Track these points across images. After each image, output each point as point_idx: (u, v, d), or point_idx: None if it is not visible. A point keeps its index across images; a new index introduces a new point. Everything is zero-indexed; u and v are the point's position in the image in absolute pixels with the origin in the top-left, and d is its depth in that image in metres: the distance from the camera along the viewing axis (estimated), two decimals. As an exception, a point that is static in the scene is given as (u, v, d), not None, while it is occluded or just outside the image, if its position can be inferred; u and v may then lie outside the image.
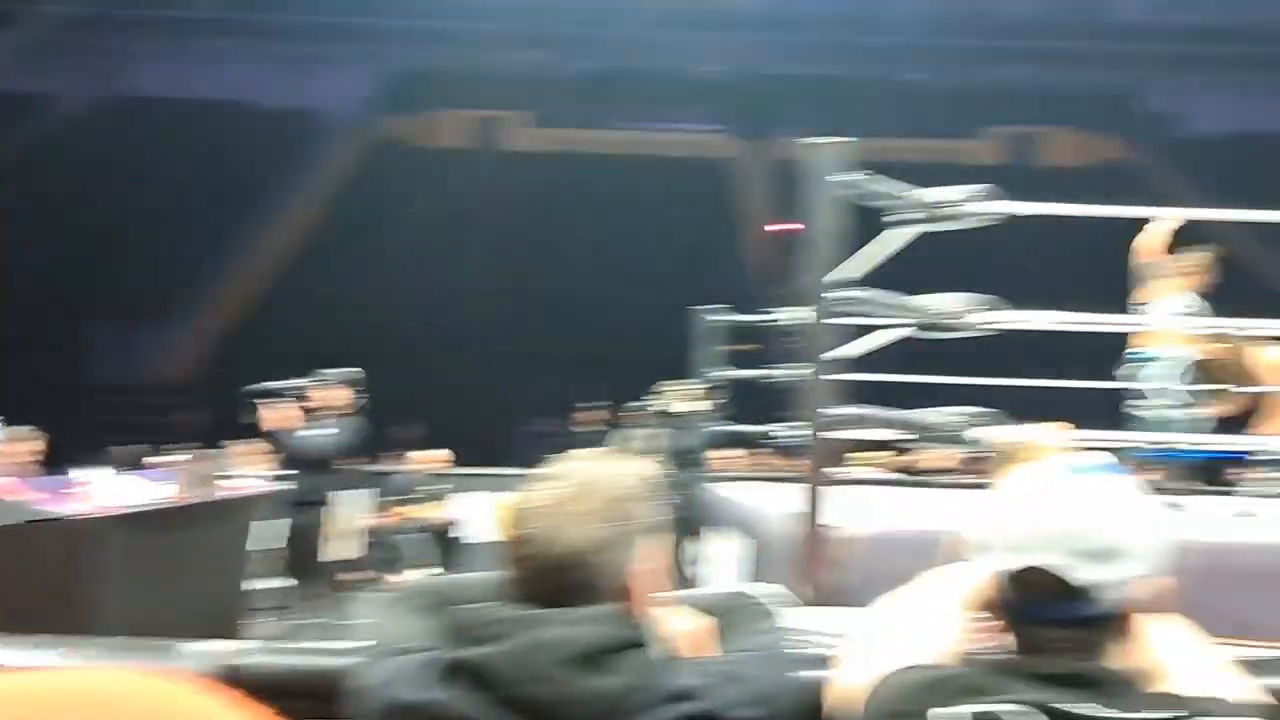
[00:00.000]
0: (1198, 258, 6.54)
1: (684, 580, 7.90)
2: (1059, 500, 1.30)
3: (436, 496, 11.19)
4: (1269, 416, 6.52)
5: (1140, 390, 6.35)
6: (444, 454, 11.71)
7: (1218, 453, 12.97)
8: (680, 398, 7.87)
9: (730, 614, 1.70)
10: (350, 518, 8.51)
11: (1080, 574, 1.24)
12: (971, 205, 4.44)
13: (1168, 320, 6.36)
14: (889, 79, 30.70)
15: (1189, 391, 6.31)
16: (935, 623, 1.41)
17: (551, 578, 1.50)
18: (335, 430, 7.68)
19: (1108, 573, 1.24)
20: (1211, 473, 12.70)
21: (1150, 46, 31.30)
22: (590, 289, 19.58)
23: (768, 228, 20.92)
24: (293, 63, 28.87)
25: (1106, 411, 6.72)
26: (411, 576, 10.27)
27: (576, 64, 30.42)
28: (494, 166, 26.34)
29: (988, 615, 1.32)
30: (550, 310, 18.89)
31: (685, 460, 7.77)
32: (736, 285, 19.16)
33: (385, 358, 16.75)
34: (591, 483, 1.55)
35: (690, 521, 7.73)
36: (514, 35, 29.48)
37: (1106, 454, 4.05)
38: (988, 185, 4.39)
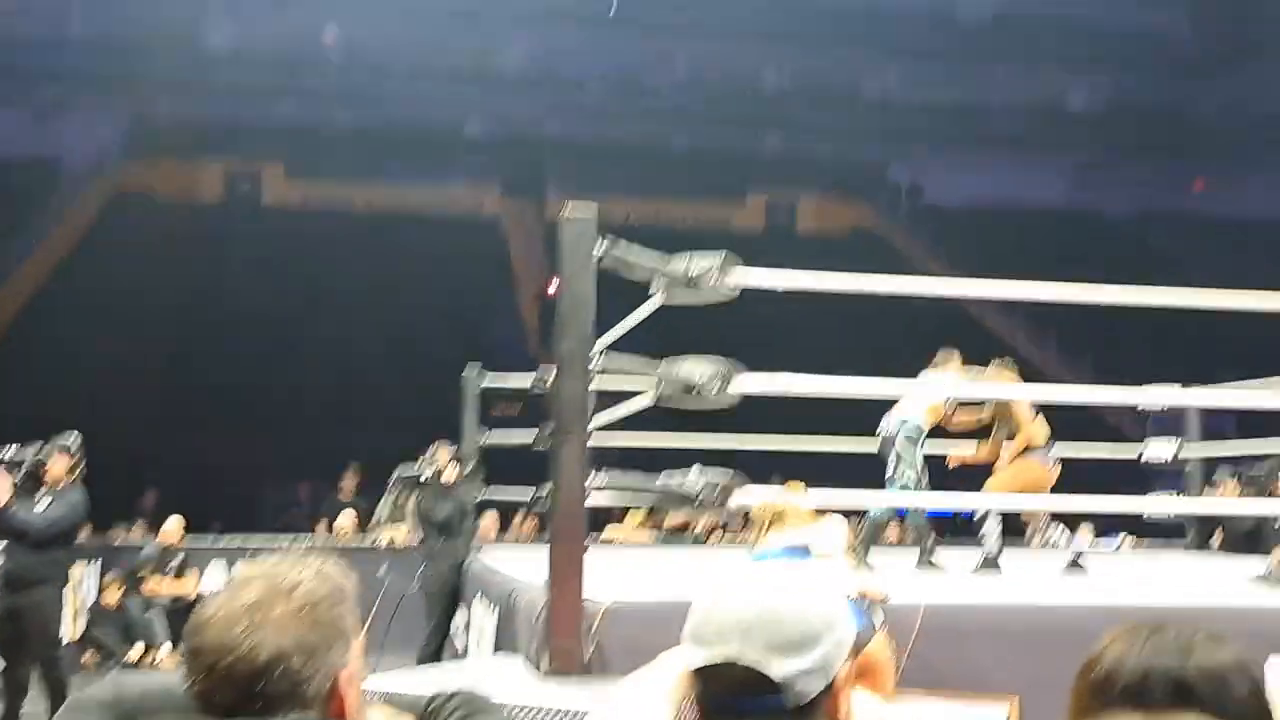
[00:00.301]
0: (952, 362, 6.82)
1: (451, 651, 7.76)
2: (746, 592, 1.29)
3: (177, 569, 10.38)
4: (1012, 476, 6.84)
5: (895, 452, 6.59)
6: (177, 523, 10.69)
7: (952, 511, 13.61)
8: (447, 462, 7.70)
9: (438, 714, 1.64)
10: (73, 596, 7.89)
11: (773, 667, 1.23)
12: (725, 273, 4.53)
13: (919, 388, 6.64)
14: (656, 143, 31.38)
15: (924, 456, 6.60)
16: (644, 712, 1.39)
17: (243, 687, 1.37)
18: (53, 502, 6.88)
19: (801, 662, 1.23)
20: (953, 530, 13.31)
21: (899, 121, 33.01)
22: (353, 349, 19.13)
23: (549, 290, 20.99)
24: (36, 110, 27.54)
25: (872, 472, 6.93)
26: (151, 655, 9.72)
27: (339, 116, 30.00)
28: (250, 219, 25.61)
29: (692, 706, 1.30)
30: (310, 370, 18.31)
31: (450, 526, 7.63)
32: (509, 346, 19.12)
33: (123, 420, 15.97)
34: (286, 585, 1.45)
35: (454, 591, 7.60)
36: (273, 86, 28.92)
37: (814, 533, 4.19)
38: (729, 253, 4.48)
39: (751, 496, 4.51)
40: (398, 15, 29.37)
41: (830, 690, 1.26)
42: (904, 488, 6.54)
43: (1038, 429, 6.78)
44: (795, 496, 4.41)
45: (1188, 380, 7.76)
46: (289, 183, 28.02)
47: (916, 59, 32.98)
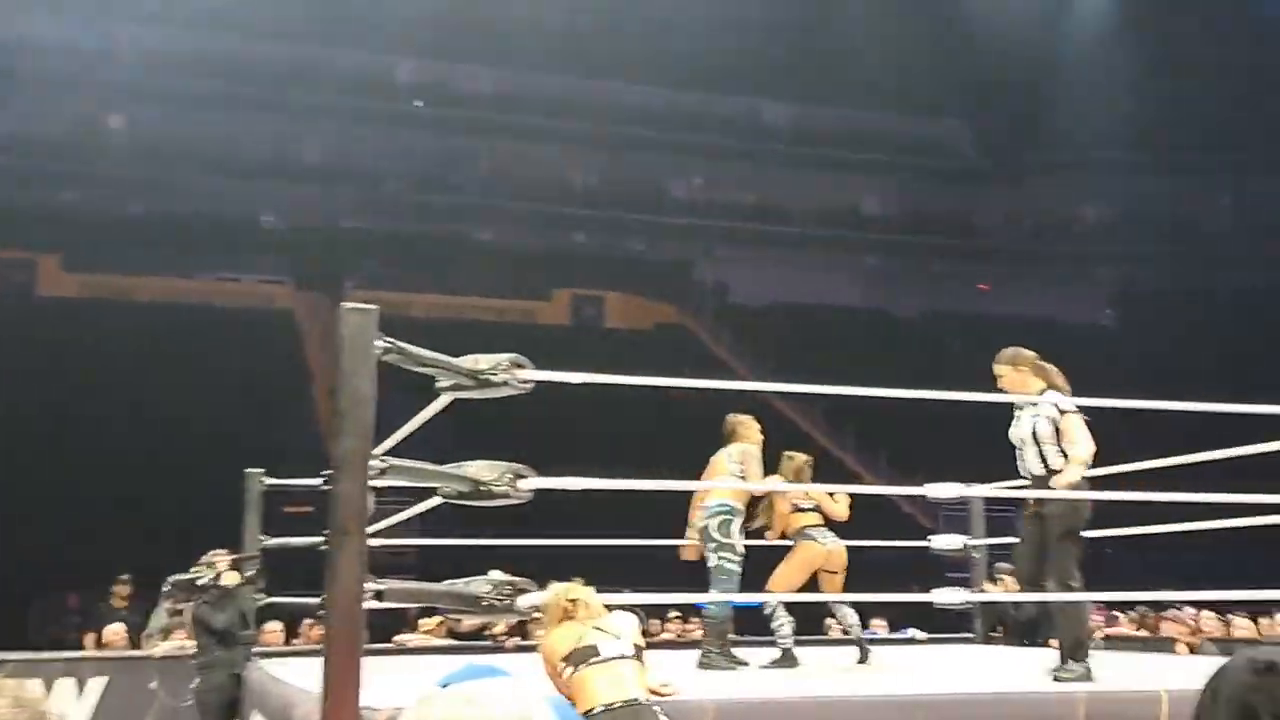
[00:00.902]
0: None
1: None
2: (439, 707, 1.28)
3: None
4: (786, 563, 6.90)
5: (711, 540, 6.56)
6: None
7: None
8: (229, 567, 7.34)
9: None
10: None
11: None
12: (514, 372, 4.46)
13: (724, 480, 6.63)
14: (459, 239, 31.33)
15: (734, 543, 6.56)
16: None
17: None
18: None
19: None
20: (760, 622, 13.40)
21: (703, 221, 33.83)
22: (131, 449, 18.24)
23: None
24: None
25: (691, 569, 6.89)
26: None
27: (125, 206, 29.04)
28: (21, 311, 24.35)
29: None
30: (87, 470, 17.33)
31: (228, 635, 7.26)
32: (303, 444, 18.52)
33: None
34: None
35: (231, 703, 7.23)
36: (54, 173, 27.87)
37: (608, 625, 4.11)
38: (516, 355, 4.42)
39: (540, 597, 4.41)
40: (191, 104, 28.74)
41: None
42: (725, 572, 6.49)
43: (798, 514, 6.93)
44: (585, 591, 4.35)
45: (977, 473, 7.98)
46: (66, 274, 26.77)
47: (720, 161, 33.95)
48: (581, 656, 4.13)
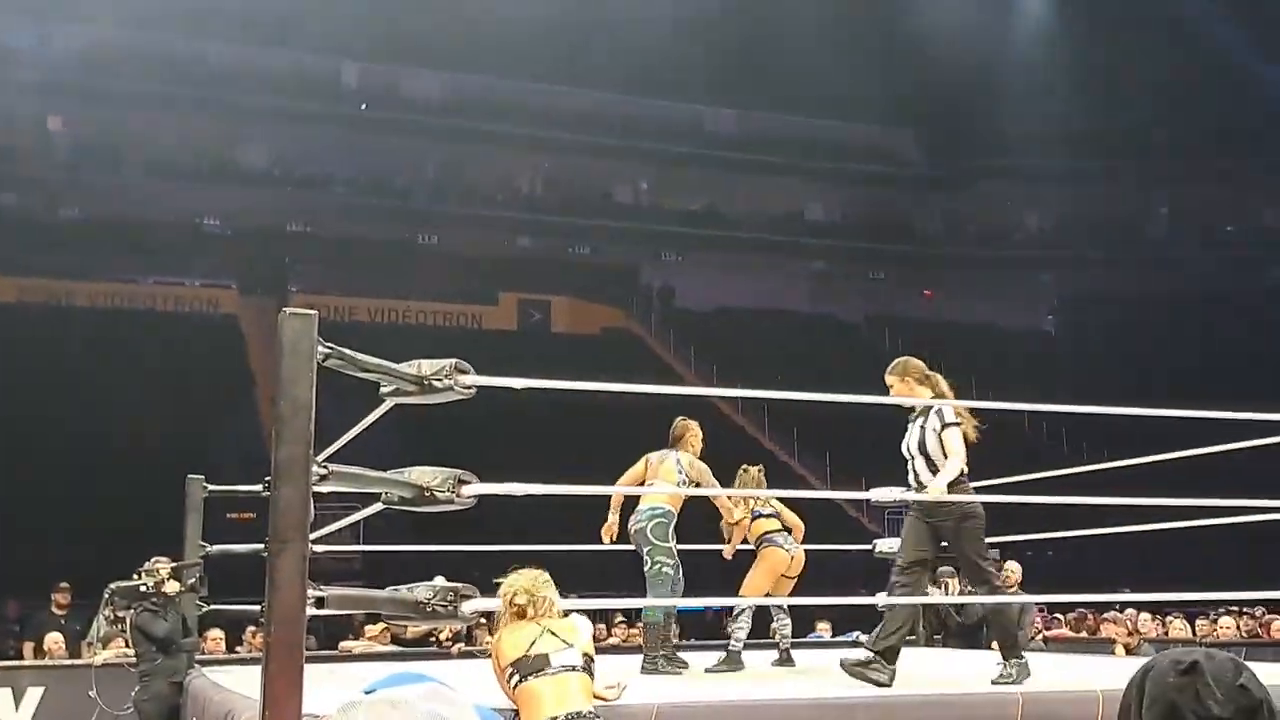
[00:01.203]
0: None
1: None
2: (366, 714, 1.30)
3: None
4: (755, 570, 6.96)
5: (648, 544, 6.56)
6: None
7: (703, 608, 13.73)
8: (170, 574, 7.25)
9: None
10: None
11: None
12: (458, 377, 4.45)
13: (660, 486, 6.63)
14: (405, 243, 31.17)
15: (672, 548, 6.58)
16: None
17: None
18: None
19: None
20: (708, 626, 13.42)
21: (650, 226, 33.89)
22: (73, 452, 17.99)
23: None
24: None
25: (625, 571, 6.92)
26: None
27: (62, 212, 28.61)
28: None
29: None
30: (25, 476, 17.06)
31: (169, 642, 7.18)
32: (245, 450, 18.33)
33: None
34: None
35: (172, 711, 7.15)
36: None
37: (563, 627, 4.13)
38: (458, 360, 4.41)
39: (484, 603, 4.40)
40: (130, 105, 28.36)
41: None
42: (662, 576, 6.50)
43: (760, 521, 7.00)
44: (545, 587, 4.32)
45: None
46: (3, 278, 26.25)
47: (666, 167, 34.04)
48: (530, 667, 4.11)
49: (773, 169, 34.50)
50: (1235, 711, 1.48)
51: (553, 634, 4.21)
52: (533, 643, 4.15)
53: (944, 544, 5.58)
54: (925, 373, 5.81)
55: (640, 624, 6.98)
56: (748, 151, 34.55)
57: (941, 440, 5.47)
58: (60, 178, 28.38)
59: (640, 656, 6.65)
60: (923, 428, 5.60)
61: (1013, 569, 9.26)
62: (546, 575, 4.41)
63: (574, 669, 4.11)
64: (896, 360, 5.96)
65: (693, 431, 6.89)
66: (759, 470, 7.21)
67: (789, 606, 7.21)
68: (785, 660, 7.12)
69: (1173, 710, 1.49)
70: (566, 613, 4.37)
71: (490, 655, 4.38)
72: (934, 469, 5.48)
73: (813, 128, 34.93)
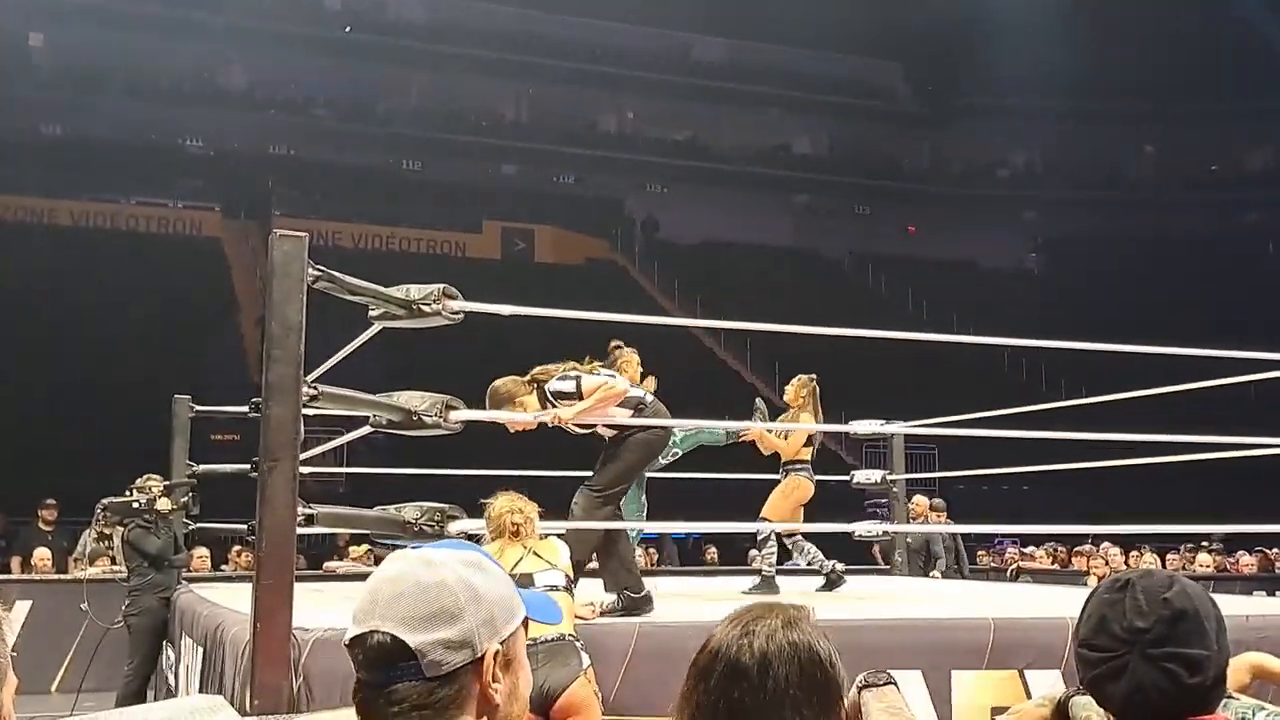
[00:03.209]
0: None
1: (158, 689, 7.37)
2: (395, 568, 1.35)
3: None
4: (785, 497, 6.99)
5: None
6: None
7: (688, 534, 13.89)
8: (158, 491, 7.32)
9: None
10: None
11: (409, 637, 1.29)
12: (446, 303, 4.49)
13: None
14: (389, 169, 30.98)
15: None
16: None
17: None
18: None
19: (438, 634, 1.30)
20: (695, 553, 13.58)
21: (634, 156, 33.73)
22: (60, 370, 17.97)
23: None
24: None
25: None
26: None
27: (43, 130, 28.31)
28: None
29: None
30: (8, 394, 17.06)
31: (161, 558, 7.26)
32: (230, 372, 18.36)
33: None
34: None
35: (161, 626, 7.25)
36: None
37: (547, 547, 4.20)
38: (446, 286, 4.46)
39: (470, 524, 4.48)
40: (112, 24, 27.98)
41: (477, 665, 1.31)
42: (637, 507, 6.57)
43: (792, 444, 7.00)
44: (531, 508, 4.39)
45: (897, 411, 8.16)
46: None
47: (652, 97, 33.81)
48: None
49: (760, 100, 34.32)
50: (1155, 622, 1.59)
51: (536, 555, 4.29)
52: (517, 563, 4.22)
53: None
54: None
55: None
56: (735, 82, 34.34)
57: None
58: (42, 95, 28.05)
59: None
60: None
61: (919, 501, 9.45)
62: (525, 498, 4.48)
63: (556, 589, 4.19)
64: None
65: (624, 358, 6.73)
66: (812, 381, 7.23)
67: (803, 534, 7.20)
68: (833, 582, 7.00)
69: (1101, 622, 1.61)
70: (544, 535, 4.44)
71: None
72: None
73: (802, 60, 34.71)
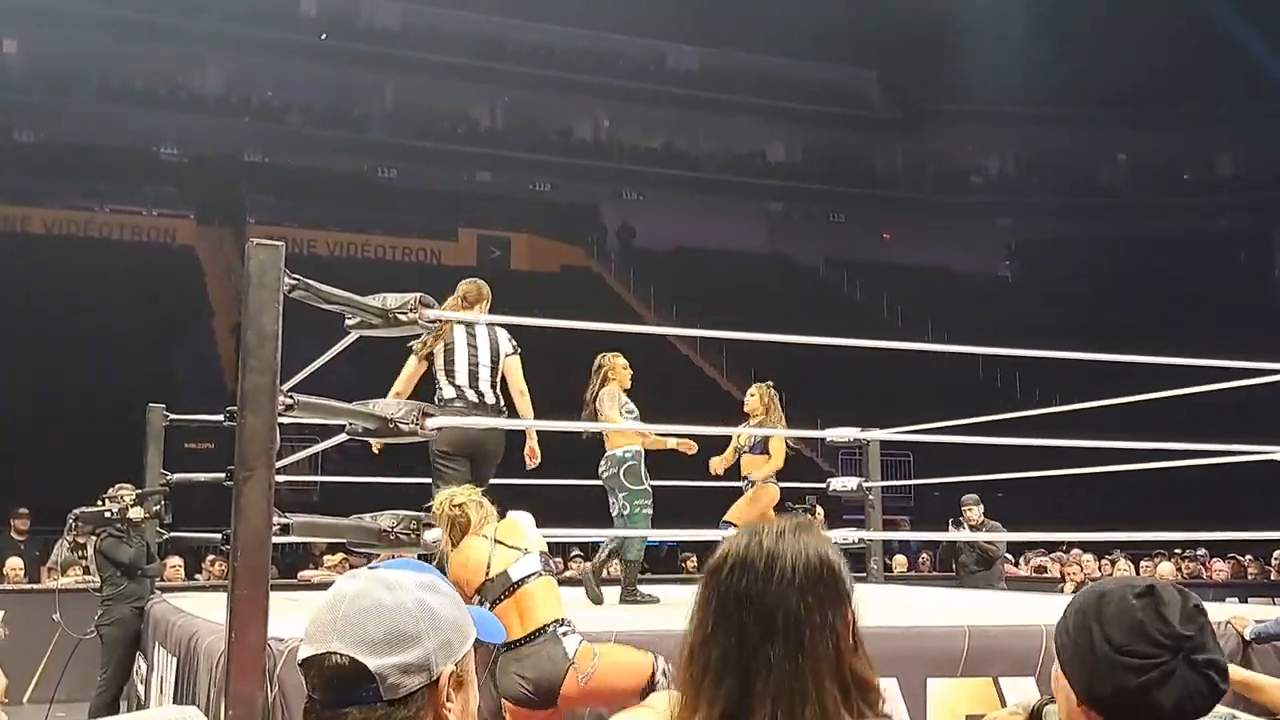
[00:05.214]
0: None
1: (130, 701, 7.32)
2: (352, 589, 1.35)
3: None
4: (752, 504, 7.01)
5: (618, 484, 6.62)
6: None
7: (659, 543, 13.87)
8: (131, 500, 7.27)
9: None
10: None
11: (368, 660, 1.30)
12: (422, 311, 4.48)
13: (624, 424, 6.66)
14: (364, 175, 30.90)
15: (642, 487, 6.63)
16: None
17: None
18: None
19: (396, 658, 1.31)
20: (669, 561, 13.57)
21: (610, 163, 33.76)
22: (31, 379, 17.84)
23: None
24: None
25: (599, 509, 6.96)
26: None
27: (15, 137, 28.10)
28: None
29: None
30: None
31: (134, 567, 7.21)
32: (203, 381, 18.28)
33: None
34: None
35: (134, 636, 7.20)
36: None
37: (510, 530, 4.13)
38: (423, 294, 4.46)
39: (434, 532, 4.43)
40: (85, 29, 27.81)
41: (433, 688, 1.32)
42: (642, 518, 6.57)
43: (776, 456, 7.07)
44: (470, 493, 4.26)
45: (873, 419, 8.19)
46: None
47: (627, 104, 33.85)
48: (495, 590, 4.03)
49: (735, 107, 34.39)
50: (1197, 629, 1.60)
51: (501, 543, 4.14)
52: (488, 562, 4.07)
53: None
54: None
55: (617, 560, 7.02)
56: (711, 89, 34.40)
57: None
58: (14, 101, 27.87)
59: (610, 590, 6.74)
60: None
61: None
62: (473, 489, 4.38)
63: (537, 575, 4.05)
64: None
65: (610, 364, 6.74)
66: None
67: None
68: None
69: (1138, 628, 1.61)
70: (502, 514, 4.27)
71: (451, 579, 4.35)
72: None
73: (776, 67, 34.80)
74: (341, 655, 1.30)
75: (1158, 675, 1.58)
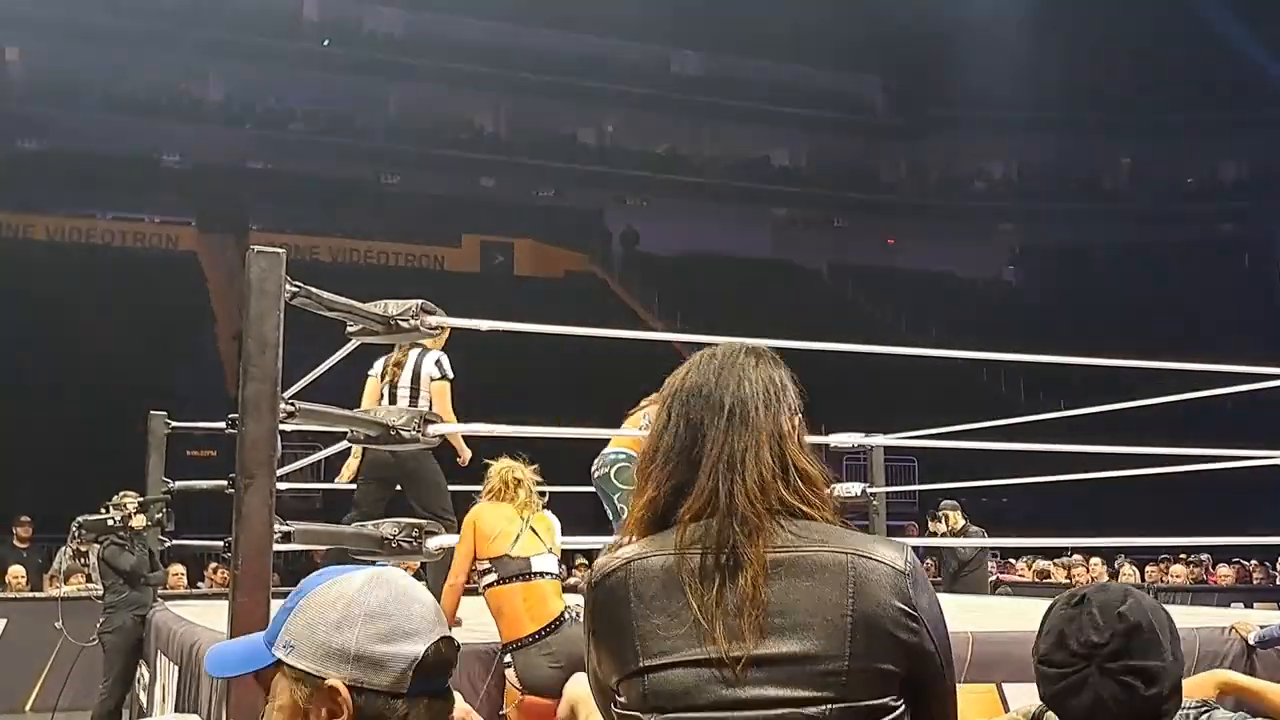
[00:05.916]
0: None
1: (132, 708, 7.31)
2: (317, 597, 1.41)
3: None
4: None
5: (610, 487, 6.59)
6: None
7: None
8: (134, 508, 7.28)
9: None
10: None
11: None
12: (424, 318, 4.48)
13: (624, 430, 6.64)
14: (367, 182, 30.90)
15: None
16: None
17: None
18: None
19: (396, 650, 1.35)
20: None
21: (614, 169, 33.75)
22: (36, 385, 17.85)
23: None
24: None
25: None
26: None
27: (19, 145, 28.12)
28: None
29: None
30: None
31: (136, 575, 7.21)
32: (206, 388, 18.27)
33: None
34: None
35: (136, 644, 7.19)
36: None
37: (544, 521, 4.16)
38: (424, 301, 4.45)
39: (448, 539, 4.46)
40: (88, 37, 27.83)
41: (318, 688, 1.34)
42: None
43: None
44: (529, 474, 4.42)
45: (877, 424, 8.16)
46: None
47: (631, 110, 33.85)
48: (510, 570, 4.13)
49: (739, 113, 34.38)
50: (1111, 636, 1.63)
51: (534, 532, 4.24)
52: (515, 539, 4.17)
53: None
54: None
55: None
56: (714, 95, 34.40)
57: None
58: (16, 110, 27.90)
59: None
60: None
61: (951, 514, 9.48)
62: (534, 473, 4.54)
63: (553, 576, 4.17)
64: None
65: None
66: None
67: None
68: None
69: (1059, 638, 1.65)
70: (542, 506, 4.45)
71: (470, 520, 4.43)
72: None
73: (779, 72, 34.80)
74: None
75: (1070, 684, 1.64)
